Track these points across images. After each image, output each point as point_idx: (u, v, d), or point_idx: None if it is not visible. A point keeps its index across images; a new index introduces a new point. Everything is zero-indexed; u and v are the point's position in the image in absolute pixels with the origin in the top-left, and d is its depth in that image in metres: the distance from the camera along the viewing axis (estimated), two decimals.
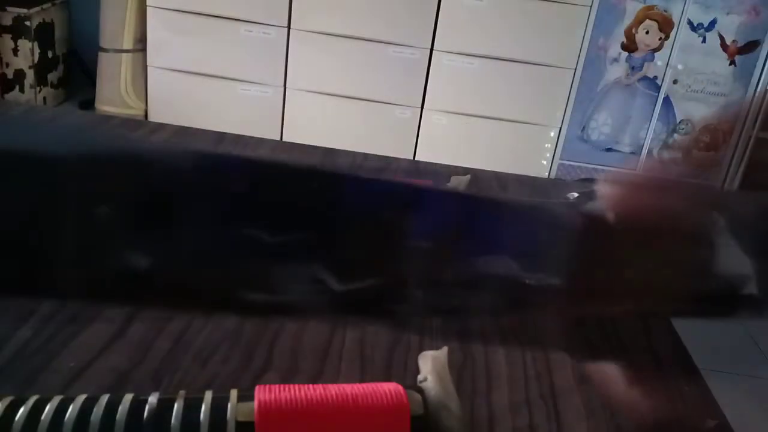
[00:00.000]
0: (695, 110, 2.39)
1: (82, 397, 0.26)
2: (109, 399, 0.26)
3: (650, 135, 2.41)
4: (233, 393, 0.27)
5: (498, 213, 0.21)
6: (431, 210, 0.20)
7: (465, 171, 0.62)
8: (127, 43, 2.22)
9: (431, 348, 0.35)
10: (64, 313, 0.38)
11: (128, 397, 0.27)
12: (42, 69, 2.28)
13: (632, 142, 2.43)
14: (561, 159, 2.31)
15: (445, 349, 0.31)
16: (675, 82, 2.35)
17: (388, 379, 0.30)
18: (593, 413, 0.36)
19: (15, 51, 2.19)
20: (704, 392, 0.39)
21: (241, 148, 0.65)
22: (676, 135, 2.43)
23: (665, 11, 2.26)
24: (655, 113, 2.39)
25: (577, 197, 0.55)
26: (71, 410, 0.26)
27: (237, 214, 0.18)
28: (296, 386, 0.28)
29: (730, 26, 2.26)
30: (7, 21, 2.15)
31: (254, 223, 0.18)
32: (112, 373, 0.34)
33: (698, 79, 2.34)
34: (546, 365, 0.39)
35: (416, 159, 2.11)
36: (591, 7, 2.08)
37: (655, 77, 2.35)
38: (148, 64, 2.21)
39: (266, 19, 2.12)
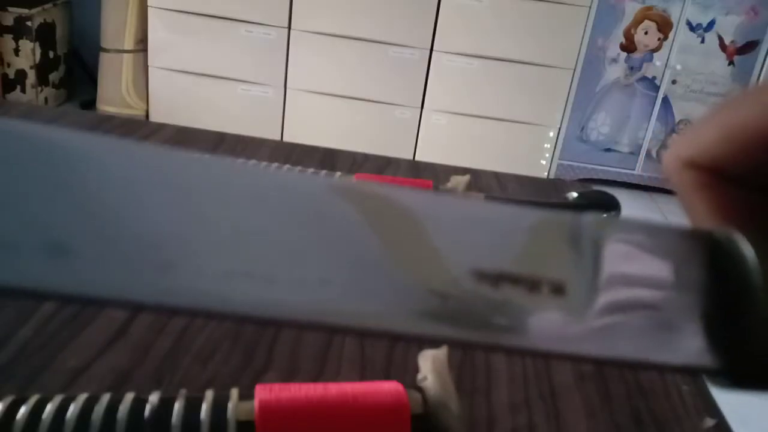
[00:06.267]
0: (694, 110, 2.39)
1: (83, 396, 0.27)
2: (110, 398, 0.27)
3: (649, 135, 2.41)
4: (234, 392, 0.27)
5: None
6: None
7: (464, 171, 0.62)
8: (128, 43, 2.22)
9: (431, 347, 0.35)
10: (64, 313, 0.38)
11: (129, 397, 0.27)
12: (43, 69, 2.28)
13: (631, 143, 2.44)
14: (560, 159, 2.31)
15: (445, 349, 0.31)
16: (674, 82, 2.35)
17: (387, 379, 0.30)
18: (593, 413, 0.36)
19: (16, 51, 2.19)
20: (704, 392, 0.39)
21: (241, 149, 0.65)
22: (674, 135, 2.43)
23: (664, 12, 2.26)
24: (654, 113, 2.39)
25: (576, 197, 0.55)
26: (72, 409, 0.26)
27: None
28: (296, 385, 0.28)
29: (729, 26, 2.26)
30: (9, 21, 2.15)
31: None
32: (112, 373, 0.34)
33: (697, 79, 2.34)
34: (546, 365, 0.39)
35: (416, 159, 2.11)
36: (590, 7, 2.08)
37: (654, 77, 2.35)
38: (149, 64, 2.21)
39: (267, 20, 2.12)
